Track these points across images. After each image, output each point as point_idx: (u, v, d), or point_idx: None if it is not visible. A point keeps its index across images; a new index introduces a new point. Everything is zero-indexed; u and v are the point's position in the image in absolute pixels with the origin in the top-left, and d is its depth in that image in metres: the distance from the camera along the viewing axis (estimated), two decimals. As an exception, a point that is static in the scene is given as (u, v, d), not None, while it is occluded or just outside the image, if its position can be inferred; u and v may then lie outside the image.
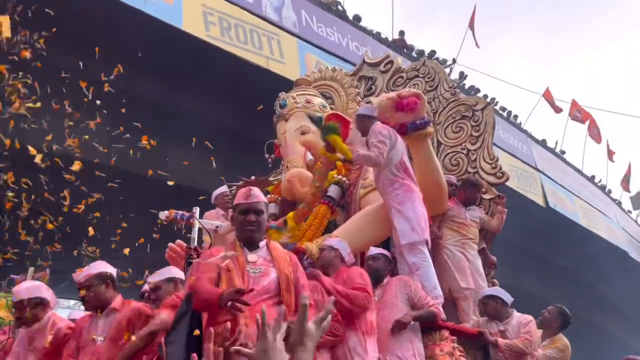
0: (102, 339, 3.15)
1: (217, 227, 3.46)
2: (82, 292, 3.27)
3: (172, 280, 3.67)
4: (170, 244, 3.80)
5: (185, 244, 3.86)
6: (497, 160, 5.27)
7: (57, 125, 9.64)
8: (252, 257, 2.72)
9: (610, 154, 22.46)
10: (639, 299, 22.72)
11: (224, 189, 5.63)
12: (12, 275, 4.85)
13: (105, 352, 3.11)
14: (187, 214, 3.95)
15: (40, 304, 3.58)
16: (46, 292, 3.68)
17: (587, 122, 20.15)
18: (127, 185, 10.83)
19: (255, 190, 2.83)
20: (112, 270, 3.46)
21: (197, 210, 3.75)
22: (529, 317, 4.53)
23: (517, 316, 4.53)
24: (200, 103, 10.68)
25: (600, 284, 20.71)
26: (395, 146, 4.26)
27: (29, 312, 3.49)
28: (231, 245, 2.80)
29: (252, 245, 2.78)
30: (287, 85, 9.94)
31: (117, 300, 3.34)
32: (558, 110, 19.55)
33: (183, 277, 3.71)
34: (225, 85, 10.09)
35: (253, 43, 10.15)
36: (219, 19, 9.78)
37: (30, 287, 3.65)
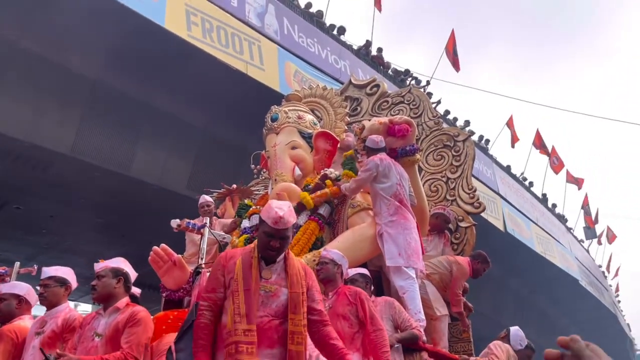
0: (100, 337, 3.12)
1: (224, 238, 3.41)
2: (94, 282, 3.26)
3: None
4: (155, 247, 3.71)
5: (169, 249, 3.79)
6: (475, 191, 5.40)
7: (27, 114, 9.32)
8: (266, 273, 2.63)
9: (578, 181, 23.39)
10: (586, 326, 23.52)
11: (202, 199, 5.57)
12: None
13: (100, 350, 3.07)
14: (198, 224, 3.94)
15: (63, 285, 3.65)
16: (71, 278, 3.75)
17: (550, 153, 20.96)
18: (90, 177, 10.61)
19: (287, 215, 2.65)
20: (131, 272, 3.43)
21: (207, 220, 3.68)
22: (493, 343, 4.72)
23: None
24: (174, 102, 10.54)
25: (551, 309, 21.35)
26: (389, 176, 4.44)
27: (52, 290, 3.58)
28: (248, 254, 2.69)
29: (269, 259, 2.68)
30: (265, 92, 9.94)
31: (123, 301, 3.28)
32: (515, 140, 20.20)
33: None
34: (202, 86, 9.99)
35: (234, 47, 10.06)
36: (202, 20, 9.66)
37: (59, 267, 3.73)
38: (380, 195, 4.45)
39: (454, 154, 5.54)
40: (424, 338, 4.02)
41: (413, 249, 4.27)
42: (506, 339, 4.97)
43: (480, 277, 5.10)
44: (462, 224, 5.32)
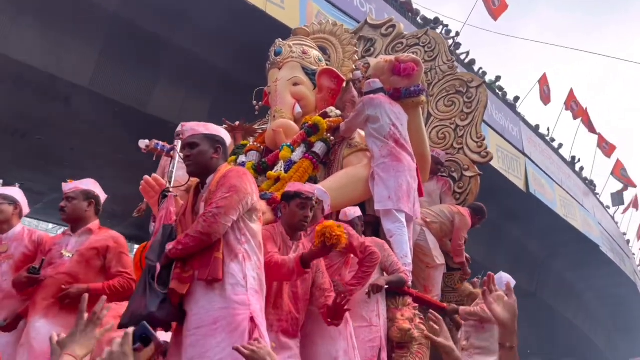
0: (71, 255, 3.13)
1: None
2: (63, 203, 3.22)
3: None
4: (146, 176, 3.68)
5: (160, 178, 3.74)
6: (484, 140, 5.24)
7: (47, 44, 9.30)
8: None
9: (610, 148, 22.75)
10: (603, 293, 23.27)
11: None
12: None
13: (72, 267, 3.09)
14: (168, 146, 3.86)
15: (12, 204, 3.45)
16: (20, 196, 3.54)
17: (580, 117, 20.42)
18: (109, 112, 10.64)
19: (187, 124, 2.68)
20: (102, 194, 3.40)
21: (178, 143, 3.61)
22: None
23: None
24: (194, 40, 10.37)
25: (568, 274, 21.10)
26: (380, 115, 4.31)
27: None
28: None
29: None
30: (284, 31, 9.58)
31: (95, 224, 3.29)
32: (547, 100, 19.57)
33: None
34: (220, 25, 9.76)
35: (253, -18, 9.73)
36: (221, -46, 9.35)
37: (11, 187, 3.60)
38: (373, 136, 4.32)
39: (466, 100, 5.32)
40: (410, 283, 3.97)
41: (404, 191, 4.15)
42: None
43: (478, 227, 5.03)
44: (467, 174, 5.17)
